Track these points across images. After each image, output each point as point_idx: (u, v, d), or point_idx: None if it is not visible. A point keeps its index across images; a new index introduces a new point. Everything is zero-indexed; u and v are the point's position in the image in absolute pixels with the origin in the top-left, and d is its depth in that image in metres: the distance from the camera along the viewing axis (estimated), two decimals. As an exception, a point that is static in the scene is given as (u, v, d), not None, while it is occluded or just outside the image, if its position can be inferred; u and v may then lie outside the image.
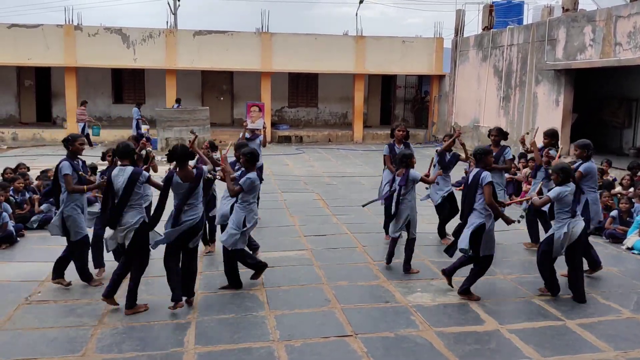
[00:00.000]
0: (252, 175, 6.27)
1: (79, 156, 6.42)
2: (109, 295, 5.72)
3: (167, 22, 35.51)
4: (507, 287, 6.62)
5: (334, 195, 12.05)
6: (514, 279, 6.90)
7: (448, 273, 6.43)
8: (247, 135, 9.42)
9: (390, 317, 5.73)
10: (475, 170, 6.09)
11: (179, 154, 5.63)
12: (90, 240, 6.54)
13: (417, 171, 7.09)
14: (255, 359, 4.83)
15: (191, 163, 5.98)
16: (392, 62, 22.72)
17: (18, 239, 8.25)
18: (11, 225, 8.18)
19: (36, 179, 10.60)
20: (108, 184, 5.65)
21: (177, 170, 5.68)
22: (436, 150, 8.52)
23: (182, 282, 5.80)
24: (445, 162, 8.35)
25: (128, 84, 23.80)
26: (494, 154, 8.17)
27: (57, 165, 6.24)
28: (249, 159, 6.35)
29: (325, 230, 9.11)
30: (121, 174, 5.58)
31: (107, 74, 23.15)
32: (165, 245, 5.80)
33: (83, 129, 19.15)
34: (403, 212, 6.96)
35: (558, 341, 5.27)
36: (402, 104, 26.28)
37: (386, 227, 8.31)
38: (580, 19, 14.48)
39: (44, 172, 10.84)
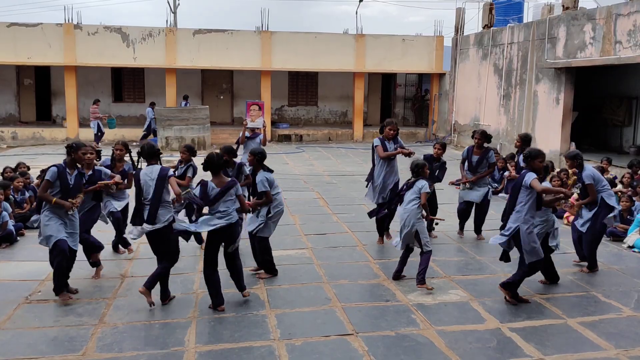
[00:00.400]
0: (260, 175, 6.48)
1: (79, 165, 6.16)
2: (149, 288, 5.80)
3: (166, 20, 35.55)
4: (508, 286, 6.60)
5: (334, 194, 12.04)
6: (514, 278, 6.88)
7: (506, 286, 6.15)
8: (247, 134, 9.41)
9: (391, 316, 5.72)
10: (523, 172, 5.97)
11: (215, 164, 5.76)
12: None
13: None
14: (256, 358, 4.82)
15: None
16: (392, 61, 22.70)
17: (18, 238, 8.25)
18: (11, 224, 8.18)
19: (36, 178, 10.58)
20: (136, 184, 5.85)
21: (212, 178, 5.80)
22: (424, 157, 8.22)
23: (233, 280, 5.97)
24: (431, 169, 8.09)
25: (128, 83, 23.78)
26: (477, 157, 8.28)
27: (45, 170, 6.00)
28: (260, 159, 6.55)
29: (326, 229, 9.11)
30: (149, 173, 5.81)
31: (106, 73, 23.13)
32: (203, 254, 5.88)
33: (98, 127, 19.39)
34: (405, 220, 6.48)
35: (559, 339, 5.27)
36: (402, 102, 26.26)
37: (379, 229, 8.25)
38: (580, 17, 14.46)
39: (44, 171, 10.81)
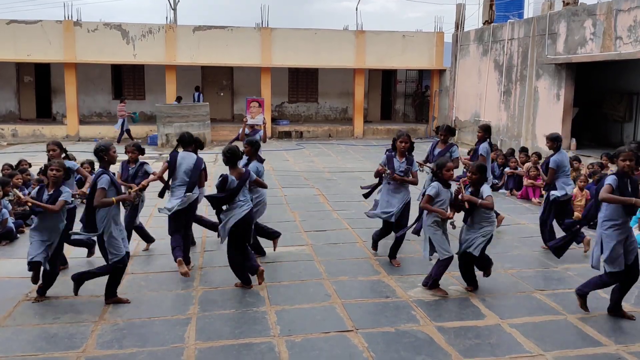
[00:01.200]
0: (253, 165, 6.96)
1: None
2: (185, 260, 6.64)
3: (166, 17, 35.53)
4: (508, 282, 6.61)
5: (335, 191, 12.04)
6: (514, 274, 6.89)
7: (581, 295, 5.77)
8: (247, 130, 9.40)
9: (391, 312, 5.72)
10: (607, 176, 5.63)
11: (238, 156, 6.31)
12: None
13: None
14: (256, 355, 4.83)
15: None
16: (393, 57, 22.65)
17: (18, 235, 8.25)
18: (11, 221, 8.18)
19: (37, 175, 10.57)
20: (171, 167, 6.64)
21: (231, 170, 6.22)
22: (386, 151, 7.30)
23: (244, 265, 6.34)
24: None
25: (128, 80, 23.75)
26: (439, 150, 8.22)
27: (95, 180, 5.57)
28: (257, 149, 7.13)
29: (326, 226, 9.11)
30: (187, 159, 6.71)
31: (106, 70, 23.11)
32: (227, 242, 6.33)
33: (123, 124, 19.80)
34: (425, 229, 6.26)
35: (559, 335, 5.27)
36: (402, 98, 26.24)
37: (376, 244, 7.65)
38: (580, 12, 14.43)
39: (45, 169, 10.79)
